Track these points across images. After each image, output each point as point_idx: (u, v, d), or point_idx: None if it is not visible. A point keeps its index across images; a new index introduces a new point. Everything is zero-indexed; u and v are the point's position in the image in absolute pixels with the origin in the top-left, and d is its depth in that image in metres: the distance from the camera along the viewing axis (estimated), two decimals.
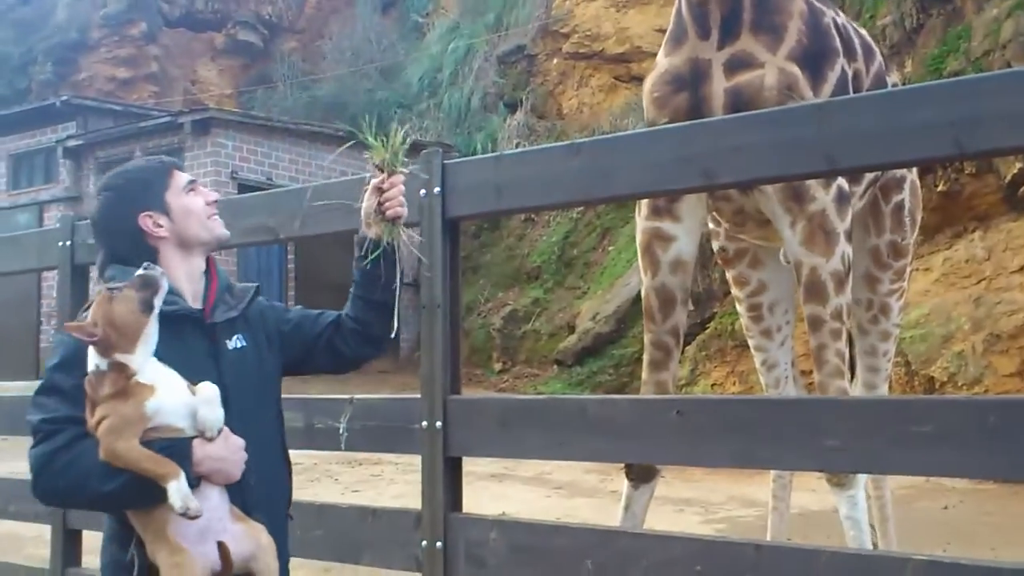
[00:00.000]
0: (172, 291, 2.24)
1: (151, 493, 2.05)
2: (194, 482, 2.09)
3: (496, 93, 21.43)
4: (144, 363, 2.13)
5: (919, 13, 12.61)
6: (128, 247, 2.31)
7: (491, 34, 22.49)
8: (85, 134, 19.62)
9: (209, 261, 2.45)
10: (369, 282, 2.57)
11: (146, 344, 2.15)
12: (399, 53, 25.02)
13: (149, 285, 2.16)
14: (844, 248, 3.64)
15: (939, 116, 2.22)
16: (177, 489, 2.03)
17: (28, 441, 2.18)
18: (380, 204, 2.52)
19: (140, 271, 2.18)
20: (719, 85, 3.63)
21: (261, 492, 2.30)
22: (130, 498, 2.09)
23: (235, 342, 2.37)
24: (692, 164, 2.61)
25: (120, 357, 2.10)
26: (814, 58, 3.67)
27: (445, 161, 3.06)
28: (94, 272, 2.79)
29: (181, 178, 2.39)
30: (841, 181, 3.67)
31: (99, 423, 2.07)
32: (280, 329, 2.53)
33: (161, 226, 2.32)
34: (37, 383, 2.24)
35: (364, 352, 2.64)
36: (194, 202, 2.38)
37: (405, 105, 23.19)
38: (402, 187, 2.55)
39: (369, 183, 2.58)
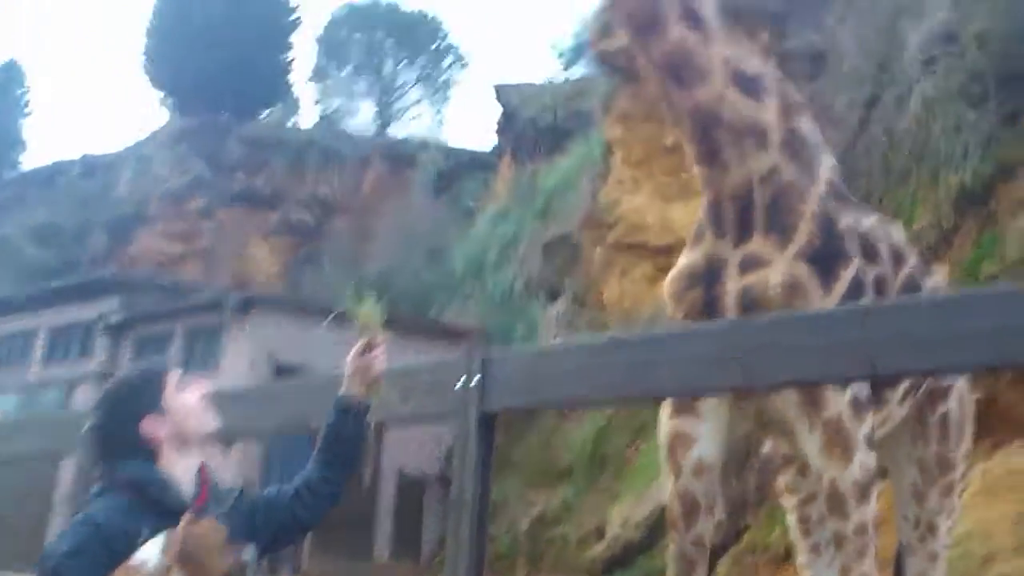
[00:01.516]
0: (171, 486, 2.36)
1: None
2: None
3: (539, 280, 21.42)
4: None
5: (955, 216, 12.57)
6: (129, 452, 2.41)
7: (539, 220, 22.68)
8: (127, 311, 19.74)
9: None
10: (342, 441, 2.67)
11: None
12: (448, 236, 25.31)
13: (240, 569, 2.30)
14: (863, 456, 3.52)
15: (985, 324, 2.20)
16: None
17: None
18: (365, 365, 2.68)
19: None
20: (733, 284, 3.68)
21: None
22: None
23: None
24: (732, 363, 2.58)
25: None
26: (825, 258, 3.66)
27: (484, 357, 3.04)
28: None
29: (173, 377, 2.51)
30: (857, 388, 3.59)
31: None
32: (257, 520, 2.59)
33: (161, 429, 2.43)
34: None
35: (323, 510, 2.70)
36: (188, 399, 2.50)
37: (450, 287, 23.26)
38: (384, 348, 2.71)
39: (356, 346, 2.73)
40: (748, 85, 3.77)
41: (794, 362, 2.49)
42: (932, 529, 4.60)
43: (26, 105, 36.05)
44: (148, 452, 2.39)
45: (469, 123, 78.36)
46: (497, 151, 28.36)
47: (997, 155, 12.49)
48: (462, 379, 2.99)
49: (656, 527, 13.82)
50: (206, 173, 29.10)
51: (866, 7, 15.53)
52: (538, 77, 32.17)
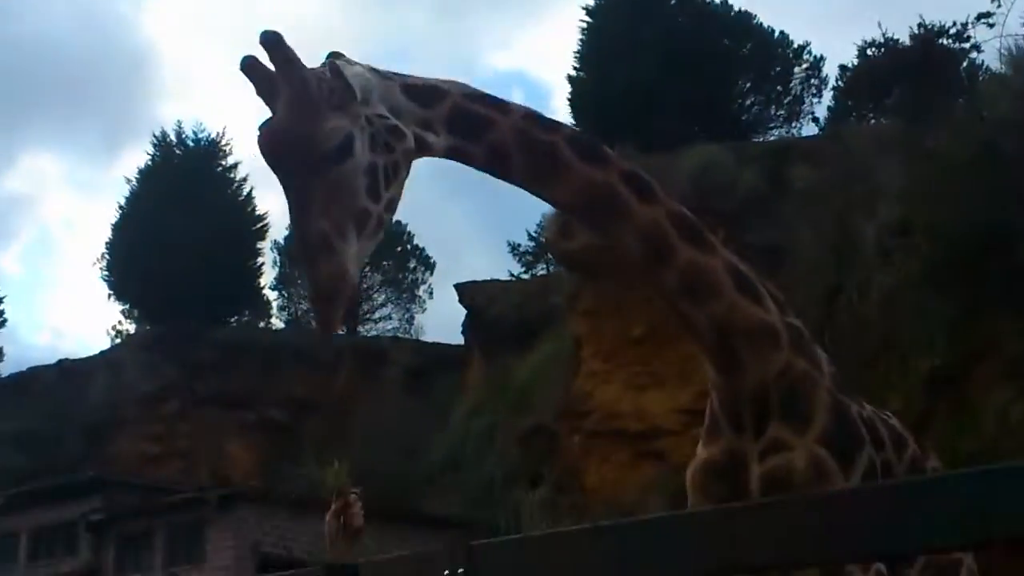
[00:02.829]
0: None
1: None
2: None
3: (518, 469, 21.66)
4: None
5: (928, 398, 12.94)
6: None
7: (513, 413, 23.11)
8: (109, 509, 19.75)
9: None
10: None
11: None
12: (423, 430, 25.60)
13: None
14: None
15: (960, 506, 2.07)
16: None
17: None
18: (345, 522, 2.83)
19: None
20: (755, 472, 3.77)
21: None
22: None
23: None
24: (723, 547, 2.47)
25: None
26: (841, 443, 3.80)
27: (471, 543, 2.93)
28: None
29: None
30: (879, 565, 3.67)
31: None
32: None
33: None
34: None
35: None
36: None
37: (429, 480, 23.39)
38: (356, 504, 2.82)
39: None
40: (751, 290, 3.89)
41: (785, 544, 2.35)
42: None
43: (1, 315, 36.47)
44: None
45: (438, 319, 79.20)
46: (466, 346, 29.11)
47: (964, 339, 12.88)
48: (446, 572, 2.89)
49: None
50: (178, 377, 29.45)
51: (819, 203, 16.33)
52: (503, 273, 33.08)
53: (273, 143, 3.23)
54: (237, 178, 35.99)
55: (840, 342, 14.35)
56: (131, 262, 33.21)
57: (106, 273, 35.06)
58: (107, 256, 35.25)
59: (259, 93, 3.31)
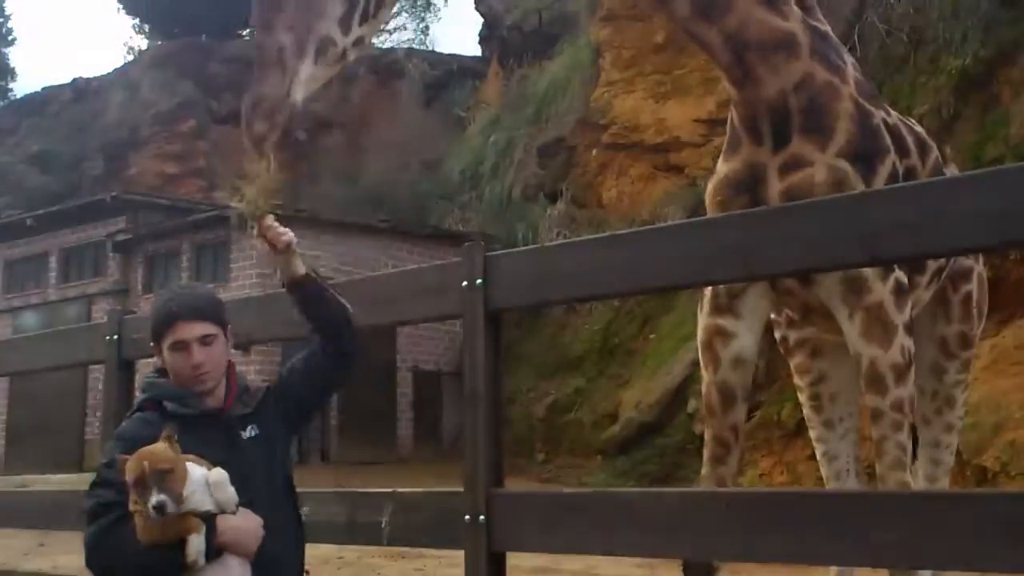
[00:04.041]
0: (192, 395, 2.68)
1: (179, 563, 2.46)
2: (214, 552, 2.49)
3: (536, 184, 21.62)
4: None
5: (956, 101, 12.65)
6: (154, 371, 2.79)
7: (531, 126, 22.81)
8: (134, 228, 20.02)
9: (229, 365, 2.79)
10: (312, 313, 2.89)
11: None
12: (441, 146, 25.44)
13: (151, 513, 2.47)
14: (904, 340, 3.61)
15: (980, 206, 2.21)
16: (195, 540, 2.45)
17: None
18: (270, 244, 2.79)
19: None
20: (775, 188, 3.72)
21: (281, 562, 2.67)
22: (165, 568, 2.48)
23: (249, 431, 2.74)
24: (732, 254, 2.61)
25: None
26: (864, 155, 3.73)
27: (487, 254, 3.07)
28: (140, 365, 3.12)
29: (176, 334, 2.69)
30: (899, 273, 3.67)
31: (135, 510, 2.48)
32: (283, 406, 2.86)
33: (162, 361, 2.74)
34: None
35: (344, 364, 2.93)
36: (179, 362, 2.70)
37: (446, 197, 23.47)
38: (274, 224, 2.78)
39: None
40: None
41: (795, 251, 2.52)
42: (950, 402, 4.84)
43: (9, 33, 35.66)
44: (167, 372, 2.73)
45: (454, 30, 77.09)
46: (483, 58, 28.32)
47: (998, 38, 12.42)
48: (464, 283, 3.04)
49: (667, 409, 14.43)
50: (194, 94, 29.03)
51: None
52: None
53: None
54: None
55: (870, 42, 13.87)
56: None
57: None
58: None
59: None
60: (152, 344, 2.74)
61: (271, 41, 3.03)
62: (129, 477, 2.44)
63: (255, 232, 2.77)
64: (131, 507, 2.49)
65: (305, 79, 3.07)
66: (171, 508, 2.42)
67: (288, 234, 2.80)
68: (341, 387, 3.00)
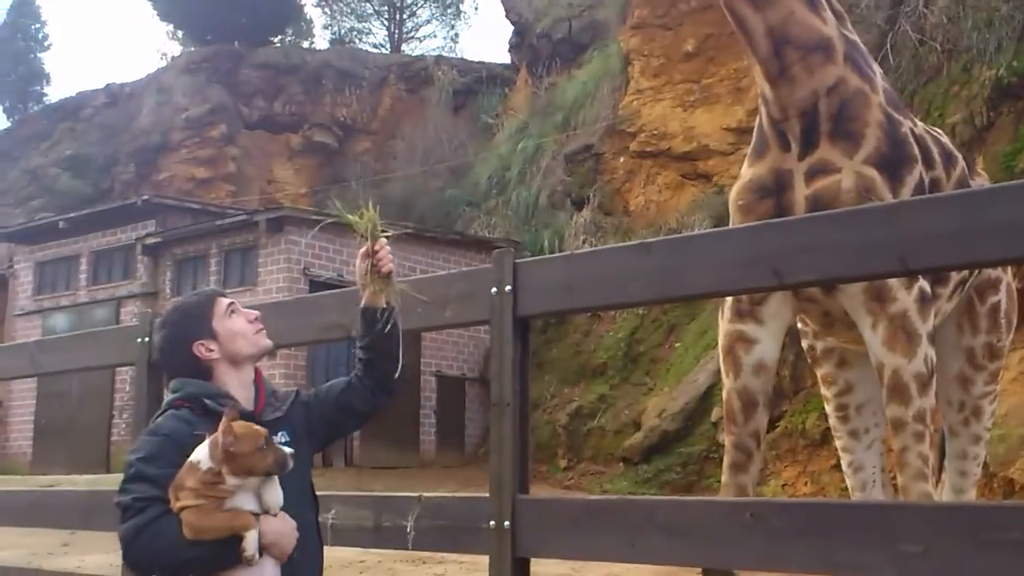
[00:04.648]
0: (229, 396, 2.63)
1: (221, 559, 2.43)
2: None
3: (563, 191, 21.64)
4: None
5: (989, 111, 12.56)
6: (188, 369, 2.70)
7: (559, 133, 22.84)
8: (163, 232, 20.18)
9: (256, 371, 2.79)
10: (375, 346, 2.86)
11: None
12: (468, 152, 25.50)
13: (281, 464, 2.49)
14: (927, 350, 3.60)
15: (1012, 217, 2.21)
16: (252, 536, 2.42)
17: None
18: (373, 266, 2.77)
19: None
20: (800, 193, 3.72)
21: (303, 567, 2.63)
22: (205, 564, 2.44)
23: (280, 437, 2.68)
24: (762, 264, 2.59)
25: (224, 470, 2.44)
26: (892, 163, 3.72)
27: (516, 260, 3.08)
28: None
29: (222, 304, 2.74)
30: (923, 283, 3.65)
31: (185, 505, 2.42)
32: (312, 417, 2.85)
33: (212, 350, 2.69)
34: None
35: (381, 402, 2.92)
36: (237, 323, 2.73)
37: (474, 203, 23.52)
38: (388, 247, 2.79)
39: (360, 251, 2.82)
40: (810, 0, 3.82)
41: (824, 261, 2.50)
42: (978, 413, 4.80)
43: (45, 39, 36.12)
44: (203, 371, 2.67)
45: (483, 38, 77.05)
46: (512, 65, 28.40)
47: None
48: (493, 290, 3.04)
49: (691, 417, 14.39)
50: (225, 100, 29.26)
51: None
52: None
53: None
54: None
55: (903, 52, 13.79)
56: None
57: None
58: None
59: None
60: (194, 343, 2.67)
61: None
62: (248, 444, 2.42)
63: (365, 250, 2.77)
64: (174, 505, 2.44)
65: None
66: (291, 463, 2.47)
67: (392, 263, 2.81)
68: (367, 420, 2.99)
